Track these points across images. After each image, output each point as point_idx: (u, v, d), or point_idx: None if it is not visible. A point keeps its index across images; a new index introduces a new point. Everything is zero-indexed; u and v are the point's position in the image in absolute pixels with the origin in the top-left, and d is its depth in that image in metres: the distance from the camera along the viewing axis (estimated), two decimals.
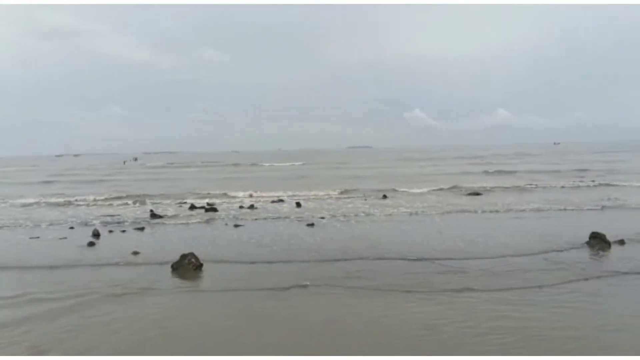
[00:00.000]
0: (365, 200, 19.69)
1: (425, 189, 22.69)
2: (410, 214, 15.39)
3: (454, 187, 23.44)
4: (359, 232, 12.44)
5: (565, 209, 15.46)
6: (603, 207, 15.68)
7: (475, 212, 15.40)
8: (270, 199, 20.40)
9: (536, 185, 23.55)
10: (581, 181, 25.68)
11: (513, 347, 5.19)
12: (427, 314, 6.24)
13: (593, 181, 25.35)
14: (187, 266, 9.01)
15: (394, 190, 22.55)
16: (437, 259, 9.16)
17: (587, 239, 10.35)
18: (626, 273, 8.03)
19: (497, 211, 15.48)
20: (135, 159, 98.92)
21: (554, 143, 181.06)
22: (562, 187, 22.71)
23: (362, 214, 15.52)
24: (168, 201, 20.54)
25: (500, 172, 34.41)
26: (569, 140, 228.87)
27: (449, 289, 7.27)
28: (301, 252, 10.13)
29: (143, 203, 20.22)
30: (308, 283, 7.71)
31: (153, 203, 19.92)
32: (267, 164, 60.99)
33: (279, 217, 15.26)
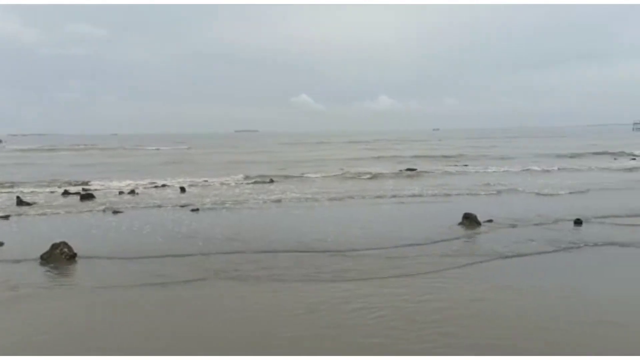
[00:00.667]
0: (253, 185, 19.54)
1: (314, 174, 22.98)
2: (299, 199, 15.48)
3: (343, 172, 23.92)
4: (248, 219, 12.29)
5: (449, 194, 16.31)
6: (499, 192, 16.83)
7: (364, 197, 15.77)
8: (153, 185, 19.54)
9: (424, 170, 24.58)
10: (464, 165, 27.59)
11: (382, 320, 5.43)
12: (309, 299, 6.31)
13: (466, 165, 27.36)
14: (59, 256, 8.34)
15: (283, 175, 22.60)
16: (323, 250, 9.27)
17: (461, 220, 11.10)
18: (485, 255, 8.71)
19: (384, 196, 16.00)
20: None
21: (434, 129, 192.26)
22: (446, 172, 23.91)
23: (251, 200, 15.37)
24: (38, 188, 18.90)
25: (387, 157, 35.74)
26: (446, 127, 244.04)
27: (337, 277, 7.38)
28: (186, 242, 9.78)
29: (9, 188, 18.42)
30: (199, 277, 7.44)
31: (20, 191, 18.17)
32: (150, 148, 58.42)
33: (160, 205, 14.62)
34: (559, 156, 32.85)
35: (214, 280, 7.20)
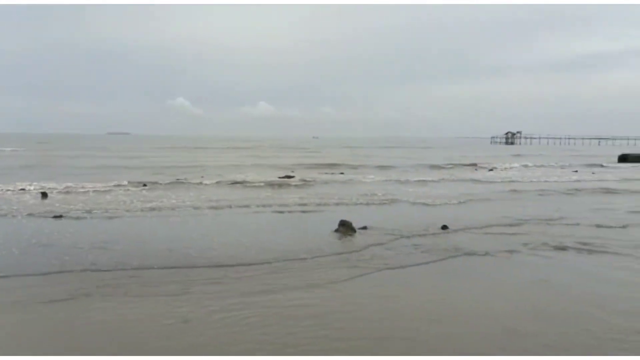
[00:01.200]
0: (125, 191, 18.47)
1: (193, 181, 22.22)
2: (176, 207, 14.84)
3: (222, 179, 23.35)
4: (119, 229, 11.55)
5: (328, 203, 16.61)
6: (377, 200, 17.34)
7: (245, 206, 15.46)
8: (8, 189, 17.71)
9: (303, 178, 24.77)
10: (340, 173, 28.33)
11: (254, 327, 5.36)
12: (182, 312, 6.09)
13: (343, 173, 28.23)
14: None
15: (157, 182, 21.54)
16: (204, 264, 9.01)
17: (337, 227, 11.35)
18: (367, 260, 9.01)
19: (263, 205, 15.87)
20: None
21: (313, 137, 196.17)
22: (325, 181, 24.24)
23: (122, 207, 14.49)
24: None
25: (266, 164, 35.65)
26: (325, 135, 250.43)
27: (203, 290, 7.18)
28: (48, 254, 8.95)
29: None
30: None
31: None
32: (6, 149, 53.16)
33: (17, 212, 13.29)
34: (432, 166, 34.65)
35: (81, 298, 6.63)
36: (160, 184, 20.76)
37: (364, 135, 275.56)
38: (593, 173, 31.22)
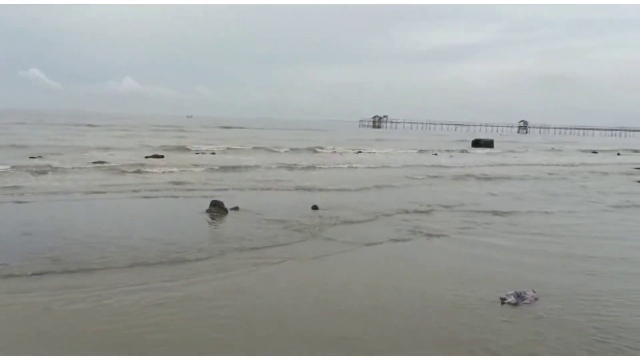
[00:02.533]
0: None
1: (58, 163, 20.19)
2: (40, 192, 13.71)
3: (90, 160, 21.69)
4: None
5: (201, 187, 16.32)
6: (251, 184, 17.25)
7: (104, 192, 14.77)
8: None
9: (183, 161, 23.95)
10: (212, 153, 27.92)
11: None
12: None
13: (213, 153, 27.90)
14: None
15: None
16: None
17: (208, 207, 11.34)
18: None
19: (125, 190, 15.23)
20: None
21: (187, 116, 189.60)
22: (196, 164, 23.65)
23: None
24: None
25: (137, 145, 33.70)
26: (200, 115, 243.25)
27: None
28: None
29: None
30: None
31: None
32: None
33: None
34: (310, 149, 34.32)
35: None
36: (16, 167, 18.75)
37: (239, 116, 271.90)
38: (451, 157, 33.92)
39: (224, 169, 20.42)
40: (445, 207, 12.84)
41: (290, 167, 21.82)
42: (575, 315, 5.71)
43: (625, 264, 7.94)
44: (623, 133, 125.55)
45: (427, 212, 12.14)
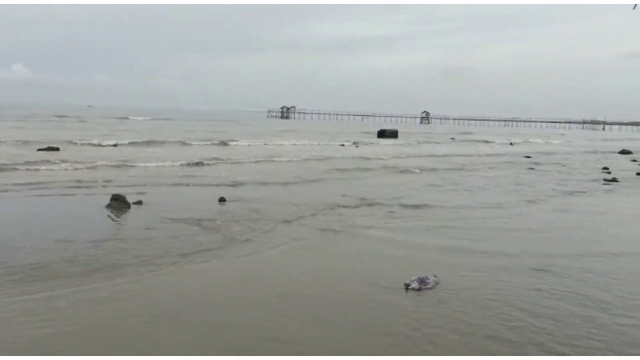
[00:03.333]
0: None
1: None
2: None
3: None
4: None
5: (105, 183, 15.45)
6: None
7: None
8: None
9: (80, 155, 22.56)
10: (113, 145, 26.54)
11: None
12: None
13: (115, 145, 26.58)
14: None
15: None
16: None
17: (109, 202, 10.78)
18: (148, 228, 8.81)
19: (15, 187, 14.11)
20: None
21: (88, 106, 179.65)
22: (94, 159, 22.38)
23: None
24: None
25: (31, 138, 31.29)
26: (100, 104, 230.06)
27: None
28: None
29: None
30: None
31: None
32: None
33: None
34: (222, 143, 33.11)
35: None
36: None
37: (145, 105, 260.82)
38: (357, 147, 34.74)
39: (127, 162, 19.44)
40: (360, 199, 12.76)
41: (199, 162, 21.20)
42: (473, 296, 6.06)
43: (527, 257, 7.95)
44: (514, 124, 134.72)
45: (339, 206, 11.91)
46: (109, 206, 10.66)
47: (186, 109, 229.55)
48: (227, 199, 11.92)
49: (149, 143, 30.08)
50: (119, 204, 10.74)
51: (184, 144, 30.21)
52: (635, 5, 6.58)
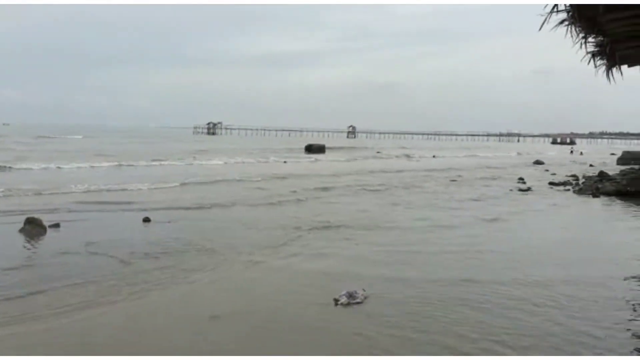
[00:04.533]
0: None
1: None
2: None
3: None
4: None
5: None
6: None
7: None
8: None
9: None
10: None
11: None
12: None
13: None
14: None
15: None
16: None
17: (23, 225, 10.12)
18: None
19: None
20: None
21: (4, 124, 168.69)
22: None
23: None
24: None
25: None
26: (13, 121, 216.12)
27: None
28: None
29: None
30: None
31: None
32: None
33: None
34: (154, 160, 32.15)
35: None
36: None
37: (61, 122, 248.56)
38: (285, 162, 34.79)
39: (42, 184, 18.37)
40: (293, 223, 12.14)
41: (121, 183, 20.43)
42: (397, 310, 6.21)
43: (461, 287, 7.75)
44: (437, 137, 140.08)
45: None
46: (22, 230, 10.00)
47: (112, 126, 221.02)
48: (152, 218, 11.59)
49: (73, 159, 28.59)
50: (33, 227, 10.09)
51: (100, 161, 28.95)
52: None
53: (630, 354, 5.14)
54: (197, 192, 17.05)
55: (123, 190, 16.82)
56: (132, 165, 27.82)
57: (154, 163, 29.95)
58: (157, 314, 6.04)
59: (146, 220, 11.46)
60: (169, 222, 11.47)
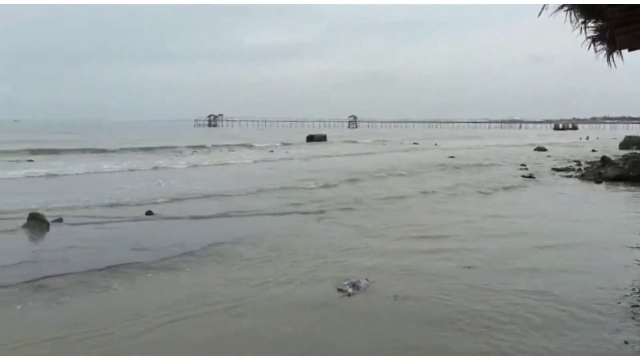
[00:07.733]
0: None
1: None
2: None
3: None
4: None
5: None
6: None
7: None
8: None
9: None
10: (29, 161, 25.06)
11: None
12: None
13: (31, 160, 25.18)
14: None
15: None
16: None
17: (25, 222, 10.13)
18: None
19: None
20: None
21: (15, 120, 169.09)
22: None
23: None
24: None
25: None
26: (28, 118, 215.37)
27: None
28: None
29: None
30: None
31: None
32: None
33: None
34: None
35: None
36: None
37: (57, 117, 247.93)
38: (287, 153, 34.80)
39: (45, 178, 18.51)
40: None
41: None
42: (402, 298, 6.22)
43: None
44: (438, 125, 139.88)
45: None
46: (25, 226, 10.02)
47: (110, 121, 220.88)
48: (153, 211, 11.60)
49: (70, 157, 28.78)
50: (36, 223, 10.09)
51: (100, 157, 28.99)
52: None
53: None
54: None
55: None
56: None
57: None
58: None
59: (148, 213, 11.50)
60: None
